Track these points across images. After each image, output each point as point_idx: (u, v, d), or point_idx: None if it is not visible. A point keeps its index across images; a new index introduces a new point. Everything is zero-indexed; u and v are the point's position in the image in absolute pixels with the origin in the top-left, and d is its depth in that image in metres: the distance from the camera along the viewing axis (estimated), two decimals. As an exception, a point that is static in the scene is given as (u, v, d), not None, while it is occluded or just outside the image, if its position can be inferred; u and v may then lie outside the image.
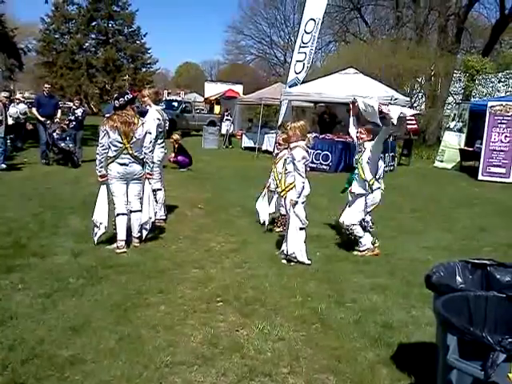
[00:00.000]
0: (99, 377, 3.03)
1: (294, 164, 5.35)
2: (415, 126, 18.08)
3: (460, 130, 16.35)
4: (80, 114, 12.61)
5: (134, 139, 5.51)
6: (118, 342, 3.45)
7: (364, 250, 5.86)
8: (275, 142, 7.26)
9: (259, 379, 3.11)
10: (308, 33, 16.37)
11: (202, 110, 31.86)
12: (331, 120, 16.19)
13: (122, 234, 5.57)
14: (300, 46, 16.63)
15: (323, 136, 14.74)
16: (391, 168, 14.34)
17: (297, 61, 16.76)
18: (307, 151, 5.47)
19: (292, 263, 5.40)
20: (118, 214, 5.62)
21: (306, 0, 16.57)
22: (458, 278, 3.09)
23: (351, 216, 5.83)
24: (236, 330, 3.77)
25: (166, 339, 3.54)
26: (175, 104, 27.12)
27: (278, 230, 6.60)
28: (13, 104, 14.03)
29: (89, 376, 3.04)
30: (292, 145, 5.45)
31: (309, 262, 5.37)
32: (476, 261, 3.17)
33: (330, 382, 3.13)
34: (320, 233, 6.75)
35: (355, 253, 5.91)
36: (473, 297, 2.73)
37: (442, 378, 2.43)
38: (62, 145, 12.09)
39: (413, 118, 16.95)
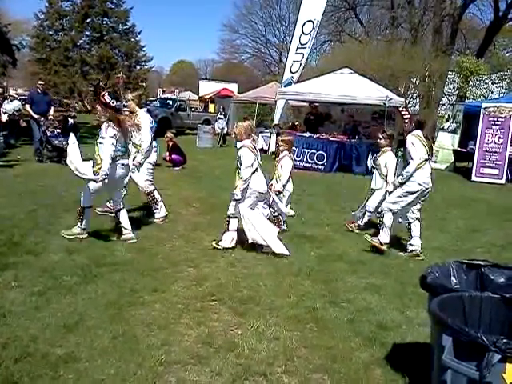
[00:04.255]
0: (93, 375, 3.02)
1: (240, 162, 5.63)
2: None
3: (454, 131, 16.42)
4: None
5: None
6: (112, 341, 3.44)
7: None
8: (276, 143, 7.52)
9: (254, 378, 3.11)
10: (306, 34, 16.42)
11: (197, 108, 31.81)
12: (316, 120, 16.18)
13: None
14: (298, 47, 16.67)
15: (318, 135, 14.75)
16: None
17: (293, 61, 16.79)
18: (254, 149, 5.73)
19: (219, 246, 5.71)
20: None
21: (302, 1, 16.60)
22: (453, 279, 3.12)
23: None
24: (231, 329, 3.76)
25: (160, 338, 3.53)
26: (170, 102, 27.00)
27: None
28: (6, 101, 13.95)
29: (82, 375, 3.02)
30: (238, 145, 5.82)
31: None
32: (470, 261, 3.19)
33: (325, 382, 3.13)
34: (314, 233, 6.76)
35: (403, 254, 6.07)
36: (468, 297, 2.75)
37: (436, 378, 2.44)
38: (56, 142, 12.04)
39: (409, 116, 16.97)
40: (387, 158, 6.79)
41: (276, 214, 6.54)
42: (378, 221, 6.81)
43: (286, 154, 6.63)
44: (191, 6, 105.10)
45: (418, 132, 6.01)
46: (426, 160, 6.01)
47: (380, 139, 6.93)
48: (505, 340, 2.11)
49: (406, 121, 16.56)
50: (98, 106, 5.75)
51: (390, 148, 6.97)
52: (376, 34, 32.51)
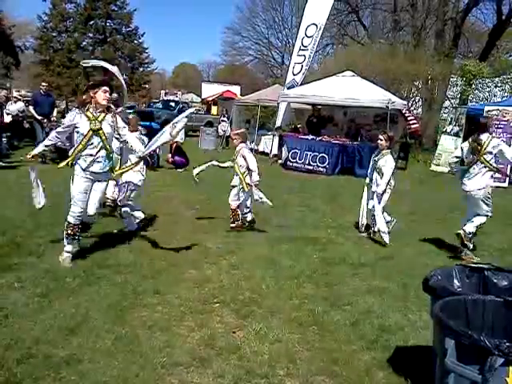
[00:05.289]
0: (95, 377, 3.02)
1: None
2: (417, 125, 17.80)
3: (457, 134, 16.39)
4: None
5: None
6: (115, 343, 3.44)
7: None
8: (230, 137, 7.79)
9: (256, 381, 3.10)
10: (309, 37, 16.46)
11: (199, 110, 31.84)
12: (319, 122, 16.19)
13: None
14: (300, 49, 16.71)
15: (320, 138, 14.74)
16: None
17: (295, 63, 16.83)
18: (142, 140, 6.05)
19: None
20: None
21: (306, 4, 16.65)
22: (456, 282, 3.11)
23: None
24: (233, 331, 3.77)
25: (162, 340, 3.54)
26: (172, 104, 27.05)
27: (232, 225, 6.86)
28: (10, 102, 14.00)
29: (85, 376, 3.03)
30: None
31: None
32: (473, 265, 3.19)
33: (327, 385, 3.13)
34: (317, 235, 6.76)
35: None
36: (470, 301, 2.74)
37: (439, 381, 2.43)
38: (59, 144, 12.05)
39: (414, 117, 16.88)
40: (385, 162, 6.75)
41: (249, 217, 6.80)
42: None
43: (243, 145, 6.77)
44: (193, 8, 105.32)
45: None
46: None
47: (380, 140, 6.87)
48: (508, 344, 2.11)
49: (411, 122, 16.52)
50: (90, 99, 5.12)
51: (389, 151, 6.91)
52: (378, 37, 32.46)
